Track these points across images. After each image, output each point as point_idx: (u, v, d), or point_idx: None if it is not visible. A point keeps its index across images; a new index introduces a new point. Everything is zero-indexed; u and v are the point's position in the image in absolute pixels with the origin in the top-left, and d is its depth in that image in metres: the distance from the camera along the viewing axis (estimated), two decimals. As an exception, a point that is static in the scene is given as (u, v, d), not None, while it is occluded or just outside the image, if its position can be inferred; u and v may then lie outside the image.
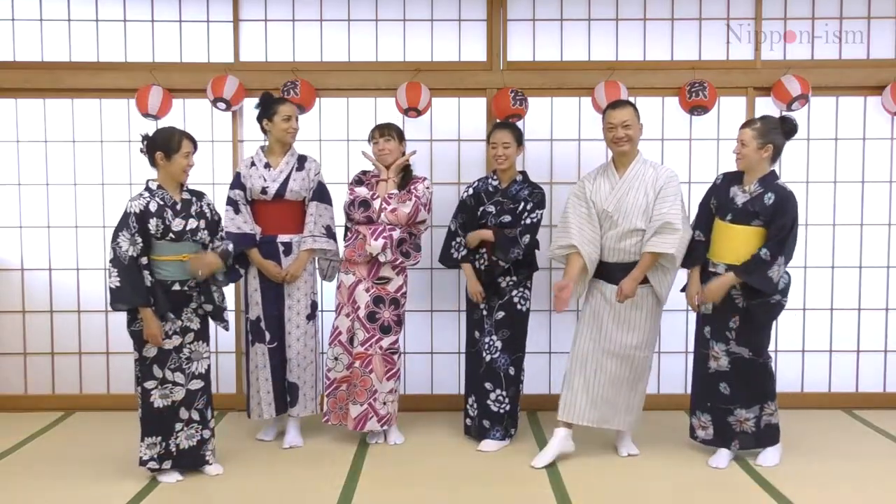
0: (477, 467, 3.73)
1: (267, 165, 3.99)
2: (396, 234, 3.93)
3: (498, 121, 4.26)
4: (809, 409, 4.56)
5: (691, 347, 4.61)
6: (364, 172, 4.11)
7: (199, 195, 3.60)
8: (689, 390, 4.63)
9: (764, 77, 4.53)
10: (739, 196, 3.63)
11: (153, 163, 3.48)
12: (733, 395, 3.67)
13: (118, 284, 3.35)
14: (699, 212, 3.82)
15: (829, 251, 4.65)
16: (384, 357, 3.96)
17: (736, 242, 3.61)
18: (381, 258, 3.92)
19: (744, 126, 3.66)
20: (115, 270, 3.35)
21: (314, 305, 4.08)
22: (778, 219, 3.54)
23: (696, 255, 3.74)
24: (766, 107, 4.54)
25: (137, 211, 3.39)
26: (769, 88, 4.51)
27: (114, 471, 3.66)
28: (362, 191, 3.98)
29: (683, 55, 4.62)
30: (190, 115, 4.62)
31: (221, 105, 4.45)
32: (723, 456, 3.71)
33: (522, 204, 3.97)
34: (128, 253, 3.35)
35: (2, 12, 4.62)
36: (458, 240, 4.08)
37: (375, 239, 3.89)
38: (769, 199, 3.57)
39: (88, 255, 4.65)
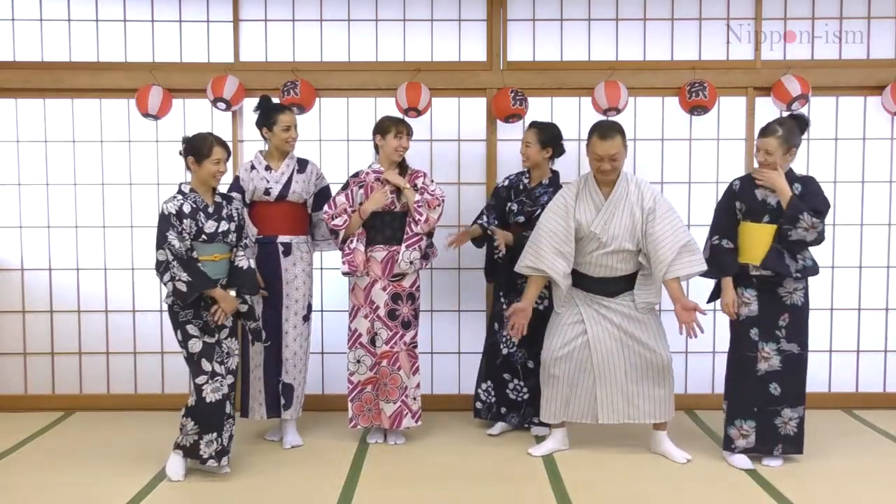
0: (477, 467, 3.73)
1: (268, 168, 4.00)
2: (424, 242, 3.98)
3: (534, 121, 4.22)
4: (809, 409, 4.51)
5: (692, 347, 4.65)
6: (355, 175, 4.06)
7: (230, 199, 3.69)
8: (688, 390, 4.67)
9: (764, 77, 4.54)
10: (771, 197, 3.59)
11: (188, 166, 3.57)
12: (783, 395, 3.63)
13: (190, 278, 3.41)
14: (721, 220, 3.72)
15: (829, 251, 4.64)
16: (408, 352, 3.99)
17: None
18: (411, 270, 3.96)
19: (765, 135, 3.56)
20: (180, 266, 3.40)
21: (310, 307, 4.09)
22: (812, 202, 3.53)
23: (728, 264, 3.67)
24: (766, 107, 4.54)
25: (174, 211, 3.47)
26: (769, 88, 4.51)
27: (115, 470, 3.67)
28: (336, 222, 3.93)
29: (683, 55, 4.62)
30: (190, 115, 4.62)
31: (221, 105, 4.45)
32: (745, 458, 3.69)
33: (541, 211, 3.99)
34: (181, 249, 3.42)
35: (2, 12, 4.62)
36: (484, 215, 4.18)
37: (409, 250, 3.91)
38: (797, 189, 3.58)
39: (88, 255, 4.66)
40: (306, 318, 4.05)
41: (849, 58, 4.61)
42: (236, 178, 4.05)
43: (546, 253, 3.69)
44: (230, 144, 4.53)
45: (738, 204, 3.68)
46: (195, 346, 3.49)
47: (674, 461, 3.75)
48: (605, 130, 3.65)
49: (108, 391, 4.71)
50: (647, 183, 3.77)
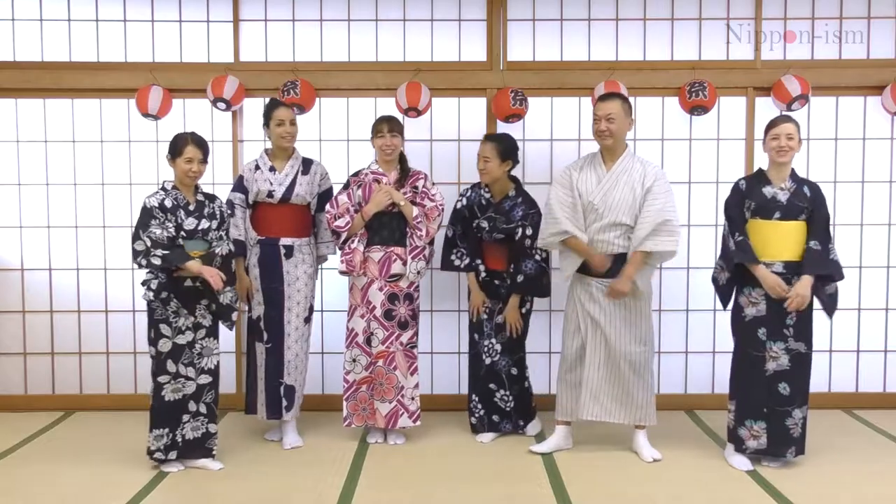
0: (477, 467, 3.73)
1: (272, 169, 3.99)
2: (428, 250, 4.00)
3: (489, 133, 4.25)
4: (810, 409, 4.54)
5: (692, 347, 4.65)
6: (356, 174, 4.08)
7: (213, 198, 3.70)
8: (688, 390, 4.67)
9: (764, 77, 4.53)
10: (780, 194, 3.62)
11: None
12: (792, 395, 3.60)
13: (164, 253, 3.41)
14: (735, 216, 3.69)
15: (829, 251, 4.64)
16: (405, 353, 3.99)
17: (790, 238, 3.61)
18: (419, 278, 3.99)
19: (786, 121, 3.63)
20: (158, 250, 3.42)
21: (311, 308, 4.09)
22: (819, 209, 3.62)
23: (751, 253, 3.62)
24: (766, 107, 4.54)
25: (156, 204, 3.51)
26: (769, 88, 4.51)
27: (115, 470, 3.66)
28: (339, 223, 3.95)
29: (683, 55, 4.62)
30: (190, 115, 4.62)
31: (221, 105, 4.45)
32: (745, 459, 3.68)
33: (521, 231, 3.96)
34: (163, 235, 3.45)
35: (2, 12, 4.62)
36: (457, 249, 4.11)
37: (415, 261, 3.93)
38: (807, 190, 3.63)
39: (88, 255, 4.66)
40: (307, 320, 4.06)
41: (849, 58, 4.60)
42: (240, 178, 4.03)
43: (562, 217, 3.74)
44: (230, 144, 4.59)
45: (748, 202, 3.68)
46: (165, 345, 3.53)
47: (642, 459, 3.77)
48: (605, 95, 3.84)
49: (108, 391, 4.71)
50: (654, 164, 3.81)
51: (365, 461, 3.80)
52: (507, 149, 3.97)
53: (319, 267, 4.36)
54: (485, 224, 4.03)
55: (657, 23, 4.62)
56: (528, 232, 3.95)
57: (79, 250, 4.66)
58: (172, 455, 3.58)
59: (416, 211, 3.94)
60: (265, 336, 3.97)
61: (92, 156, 4.64)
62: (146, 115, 4.46)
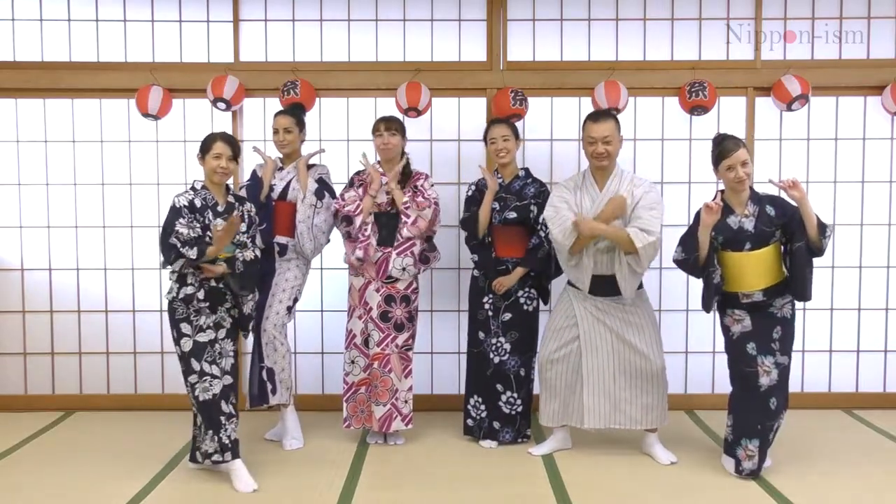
0: (477, 467, 3.73)
1: (280, 168, 4.07)
2: (418, 248, 3.95)
3: (495, 117, 4.25)
4: (809, 409, 4.56)
5: (692, 347, 4.65)
6: (358, 173, 4.10)
7: (242, 200, 3.68)
8: (688, 390, 4.67)
9: (764, 77, 4.54)
10: (746, 222, 3.51)
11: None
12: (778, 408, 3.55)
13: (199, 249, 3.37)
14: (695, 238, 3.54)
15: (829, 251, 4.62)
16: (400, 355, 3.97)
17: (764, 265, 3.51)
18: (405, 276, 3.94)
19: (738, 147, 3.44)
20: (187, 246, 3.38)
21: (296, 301, 4.08)
22: (791, 222, 3.48)
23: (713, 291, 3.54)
24: (766, 107, 4.55)
25: (185, 203, 3.47)
26: (769, 88, 4.51)
27: (115, 470, 3.67)
28: (349, 208, 3.95)
29: (683, 55, 4.62)
30: (190, 115, 4.63)
31: (221, 105, 4.45)
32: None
33: (532, 205, 3.95)
34: (191, 234, 3.41)
35: (2, 12, 4.63)
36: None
37: (400, 257, 3.91)
38: (771, 211, 3.51)
39: (88, 255, 4.66)
40: (290, 310, 4.04)
41: (849, 58, 4.60)
42: (253, 172, 4.10)
43: (565, 209, 3.68)
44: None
45: (713, 232, 3.52)
46: (186, 344, 3.49)
47: (659, 462, 3.75)
48: (598, 115, 3.75)
49: (108, 391, 4.71)
50: (643, 179, 3.77)
51: (365, 462, 3.80)
52: (516, 128, 4.05)
53: (321, 268, 4.37)
54: (496, 205, 4.01)
55: (657, 23, 4.62)
56: (539, 212, 3.94)
57: (79, 250, 4.66)
58: (228, 456, 3.49)
59: (405, 198, 3.93)
60: (252, 324, 3.99)
61: (92, 156, 4.64)
62: (146, 115, 4.46)
